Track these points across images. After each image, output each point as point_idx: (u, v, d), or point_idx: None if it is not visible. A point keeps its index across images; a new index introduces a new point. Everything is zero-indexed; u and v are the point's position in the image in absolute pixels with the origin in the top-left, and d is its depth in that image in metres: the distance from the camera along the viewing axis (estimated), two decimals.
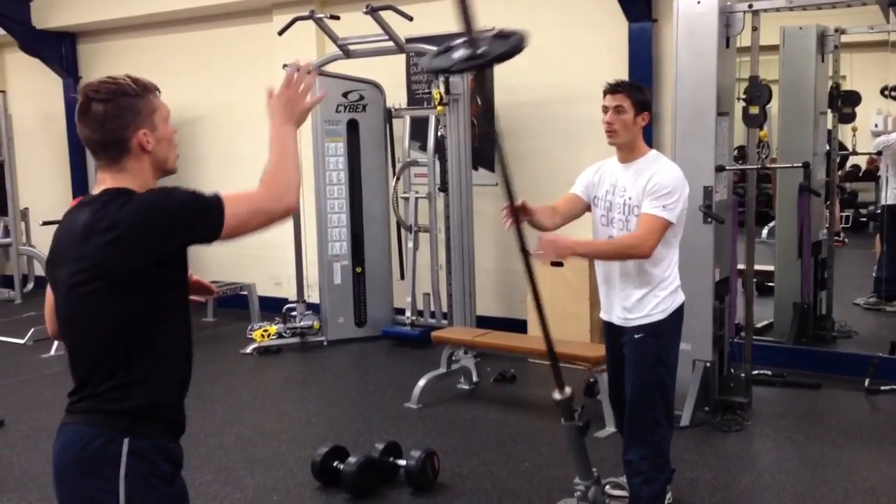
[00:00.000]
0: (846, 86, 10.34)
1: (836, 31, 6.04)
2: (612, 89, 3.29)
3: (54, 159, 9.33)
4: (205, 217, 1.83)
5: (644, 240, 3.12)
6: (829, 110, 6.19)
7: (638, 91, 3.30)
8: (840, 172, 8.87)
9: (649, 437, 3.22)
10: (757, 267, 6.60)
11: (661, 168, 3.23)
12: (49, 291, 2.04)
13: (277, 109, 1.99)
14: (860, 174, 11.35)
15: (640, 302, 3.22)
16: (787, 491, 3.86)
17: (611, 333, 3.38)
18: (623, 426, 3.44)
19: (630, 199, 3.22)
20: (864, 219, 10.78)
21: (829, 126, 6.30)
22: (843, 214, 11.58)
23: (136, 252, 1.79)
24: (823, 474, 4.04)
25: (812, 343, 5.99)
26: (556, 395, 3.23)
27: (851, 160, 11.50)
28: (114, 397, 1.85)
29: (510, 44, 2.56)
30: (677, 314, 3.26)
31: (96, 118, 1.87)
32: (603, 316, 3.40)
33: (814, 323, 6.18)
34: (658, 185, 3.16)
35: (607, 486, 3.65)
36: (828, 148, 6.28)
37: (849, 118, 6.48)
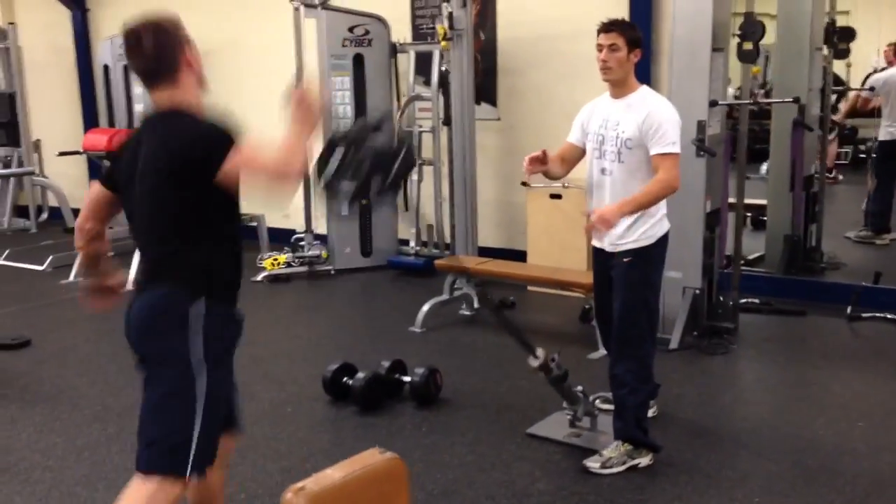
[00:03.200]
0: (851, 20, 10.36)
1: None
2: (607, 28, 3.46)
3: (65, 91, 9.48)
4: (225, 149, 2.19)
5: (672, 175, 3.33)
6: (824, 46, 6.30)
7: (631, 29, 3.47)
8: (842, 108, 9.01)
9: (635, 352, 3.49)
10: (753, 201, 6.83)
11: (654, 105, 3.40)
12: (97, 187, 2.50)
13: (295, 121, 2.24)
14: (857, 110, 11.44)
15: (629, 229, 3.44)
16: (765, 406, 4.15)
17: (600, 258, 3.61)
18: (609, 344, 3.71)
19: (623, 132, 3.42)
20: (864, 155, 10.94)
21: (824, 62, 6.43)
22: (844, 151, 11.73)
23: (188, 157, 2.19)
24: (800, 392, 4.33)
25: (801, 274, 6.23)
26: (532, 363, 3.43)
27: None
28: (192, 265, 2.26)
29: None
30: (663, 241, 3.49)
31: (147, 48, 2.25)
32: (593, 242, 3.63)
33: (804, 255, 6.40)
34: (658, 124, 3.33)
35: (597, 401, 3.95)
36: (822, 83, 6.43)
37: (843, 54, 6.61)
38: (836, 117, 8.51)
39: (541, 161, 3.46)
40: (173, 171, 2.20)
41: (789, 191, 6.25)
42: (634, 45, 3.45)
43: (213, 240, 2.30)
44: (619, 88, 3.50)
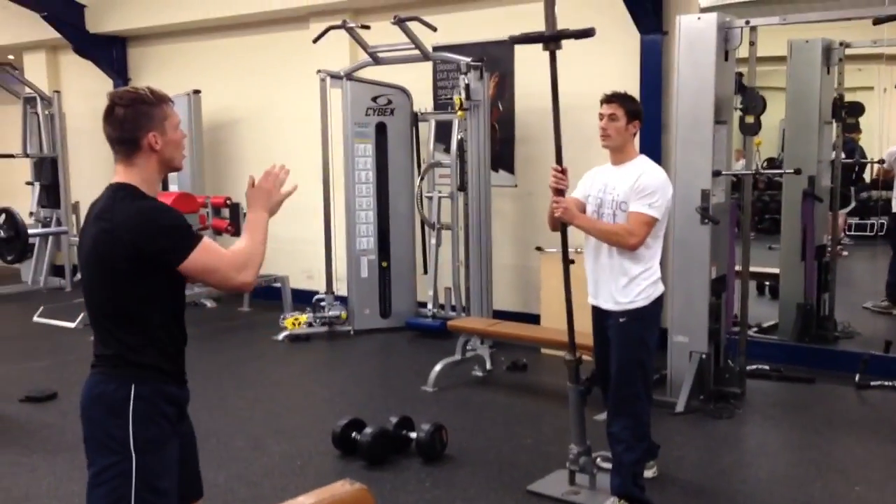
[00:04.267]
0: (874, 97, 10.49)
1: (841, 44, 6.32)
2: (608, 99, 3.68)
3: (103, 156, 9.79)
4: (177, 245, 2.22)
5: (632, 232, 3.51)
6: (833, 120, 6.45)
7: (630, 101, 3.68)
8: (871, 178, 9.13)
9: (631, 409, 3.60)
10: (770, 270, 6.92)
11: (647, 170, 3.60)
12: None
13: (256, 199, 2.39)
14: (881, 182, 11.50)
15: (625, 289, 3.59)
16: (765, 469, 4.20)
17: (598, 317, 3.75)
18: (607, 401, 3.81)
19: (618, 195, 3.60)
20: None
21: (834, 135, 6.57)
22: (871, 222, 11.74)
23: (121, 245, 2.21)
24: (801, 456, 4.37)
25: (814, 342, 6.27)
26: (567, 356, 3.64)
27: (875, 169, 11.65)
28: (121, 355, 2.29)
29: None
30: (657, 302, 3.63)
31: (117, 119, 2.28)
32: (591, 301, 3.77)
33: (817, 323, 6.45)
34: (644, 186, 3.54)
35: (598, 459, 4.03)
36: (833, 156, 6.57)
37: (853, 128, 6.75)
38: None
39: (564, 176, 3.62)
40: (127, 258, 2.21)
41: (801, 260, 6.35)
42: (633, 117, 3.65)
43: (155, 326, 2.31)
44: (617, 155, 3.69)
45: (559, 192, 3.63)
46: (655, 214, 3.52)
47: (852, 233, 11.11)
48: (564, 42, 3.59)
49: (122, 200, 2.26)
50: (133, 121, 2.28)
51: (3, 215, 8.96)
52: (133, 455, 2.24)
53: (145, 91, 2.33)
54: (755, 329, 6.37)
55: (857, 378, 5.41)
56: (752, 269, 5.55)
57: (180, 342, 2.40)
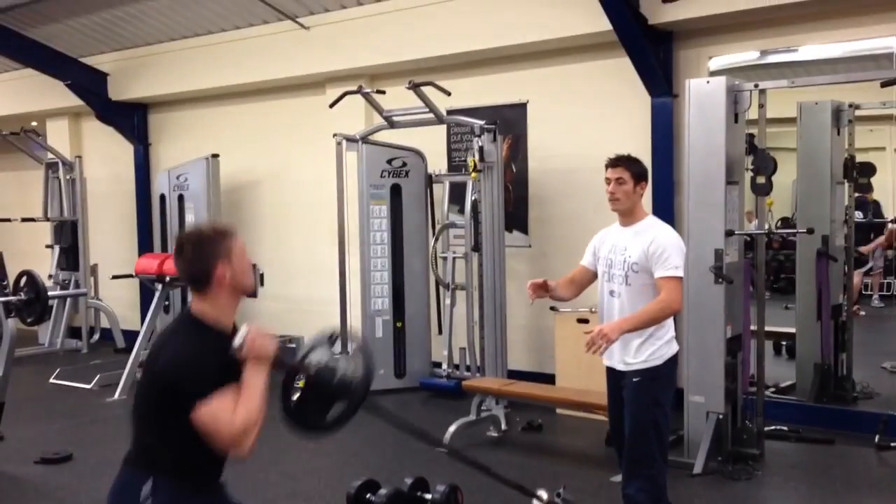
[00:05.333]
0: (886, 157, 10.55)
1: (851, 105, 6.39)
2: (613, 163, 3.73)
3: (123, 219, 10.04)
4: (200, 396, 2.35)
5: (672, 297, 3.54)
6: (845, 181, 6.49)
7: (635, 164, 3.73)
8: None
9: (646, 471, 3.57)
10: (787, 329, 6.90)
11: (659, 233, 3.64)
12: None
13: (250, 360, 2.45)
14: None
15: (638, 350, 3.60)
16: None
17: (612, 377, 3.75)
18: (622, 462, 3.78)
19: (630, 256, 3.63)
20: None
21: (847, 195, 6.59)
22: (887, 281, 11.66)
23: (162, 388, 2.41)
24: None
25: (832, 403, 6.21)
26: None
27: None
28: (153, 456, 2.46)
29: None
30: (672, 361, 3.63)
31: (186, 258, 2.50)
32: (605, 361, 3.78)
33: (834, 383, 6.40)
34: (661, 251, 3.56)
35: None
36: (846, 216, 6.59)
37: (865, 188, 6.78)
38: (863, 248, 8.60)
39: (542, 287, 3.68)
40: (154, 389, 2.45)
41: (817, 320, 6.33)
42: (640, 178, 3.70)
43: (189, 439, 2.42)
44: (627, 217, 3.73)
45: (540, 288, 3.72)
46: (681, 274, 3.58)
47: (867, 292, 11.02)
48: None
49: (179, 337, 2.47)
50: (202, 258, 2.46)
51: (25, 278, 9.05)
52: None
53: (209, 229, 2.54)
54: (772, 389, 6.32)
55: (876, 439, 5.34)
56: (768, 328, 5.53)
57: (215, 461, 2.58)
